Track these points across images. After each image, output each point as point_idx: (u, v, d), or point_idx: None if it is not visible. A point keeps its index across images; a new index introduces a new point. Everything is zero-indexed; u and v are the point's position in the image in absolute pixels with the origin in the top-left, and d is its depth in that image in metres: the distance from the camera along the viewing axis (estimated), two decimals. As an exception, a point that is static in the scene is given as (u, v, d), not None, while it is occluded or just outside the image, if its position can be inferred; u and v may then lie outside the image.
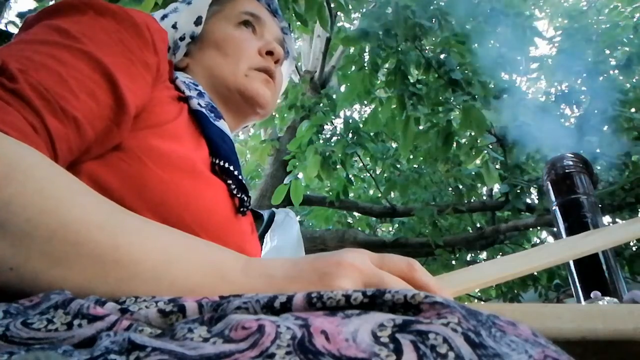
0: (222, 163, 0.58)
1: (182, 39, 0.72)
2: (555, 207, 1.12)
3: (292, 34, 0.84)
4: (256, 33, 0.75)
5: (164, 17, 0.73)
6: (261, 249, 0.81)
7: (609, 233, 0.69)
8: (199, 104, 0.62)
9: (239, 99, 0.70)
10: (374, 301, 0.30)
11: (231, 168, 0.59)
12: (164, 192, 0.50)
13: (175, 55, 0.72)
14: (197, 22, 0.72)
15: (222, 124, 0.63)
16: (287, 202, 3.74)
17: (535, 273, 4.24)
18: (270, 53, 0.73)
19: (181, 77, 0.66)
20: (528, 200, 4.04)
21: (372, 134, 4.19)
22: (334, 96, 4.36)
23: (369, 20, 3.40)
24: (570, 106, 4.51)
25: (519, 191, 3.87)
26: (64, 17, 0.51)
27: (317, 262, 0.40)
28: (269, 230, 0.87)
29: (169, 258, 0.38)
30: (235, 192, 0.59)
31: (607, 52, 4.64)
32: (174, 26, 0.71)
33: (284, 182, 3.79)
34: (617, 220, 4.12)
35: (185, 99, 0.62)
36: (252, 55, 0.71)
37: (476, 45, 3.66)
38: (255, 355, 0.24)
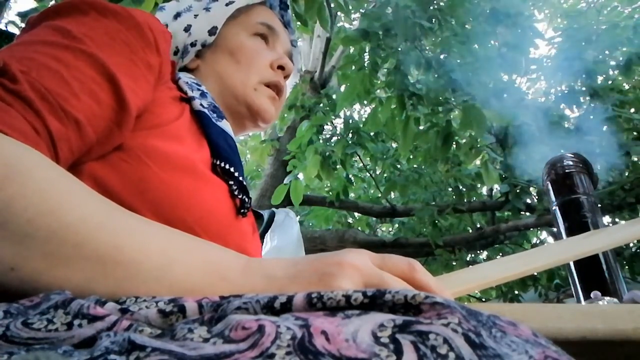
0: (222, 164, 0.58)
1: (193, 44, 0.71)
2: (555, 207, 1.12)
3: (298, 47, 0.85)
4: (269, 44, 0.75)
5: (177, 15, 0.72)
6: (260, 249, 0.81)
7: (610, 234, 0.69)
8: (201, 104, 0.62)
9: (244, 111, 0.71)
10: (374, 301, 0.30)
11: (232, 169, 0.58)
12: (165, 193, 0.50)
13: (183, 59, 0.72)
14: (212, 32, 0.72)
15: (225, 124, 0.63)
16: (287, 202, 3.74)
17: (536, 273, 4.25)
18: (281, 67, 0.73)
19: (184, 77, 0.65)
20: (528, 200, 4.04)
21: (372, 134, 4.19)
22: (334, 96, 4.35)
23: (369, 20, 3.39)
24: (570, 106, 4.51)
25: (518, 191, 3.87)
26: (66, 18, 0.51)
27: (318, 262, 0.40)
28: (269, 230, 0.87)
29: (169, 258, 0.38)
30: (236, 193, 0.59)
31: (607, 52, 4.64)
32: (187, 29, 0.71)
33: (284, 182, 3.79)
34: (617, 220, 4.12)
35: (188, 100, 0.62)
36: (263, 68, 0.71)
37: (476, 45, 3.66)
38: (255, 355, 0.24)
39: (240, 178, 0.59)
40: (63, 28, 0.49)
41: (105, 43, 0.50)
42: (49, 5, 0.54)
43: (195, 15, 0.72)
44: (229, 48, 0.71)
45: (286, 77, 0.75)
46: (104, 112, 0.47)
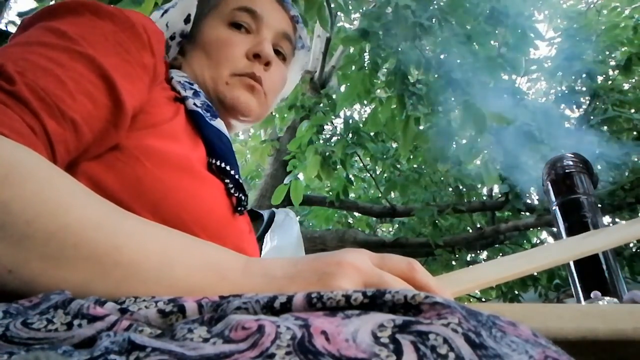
0: (218, 163, 0.58)
1: (172, 38, 0.70)
2: (555, 207, 1.12)
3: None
4: (252, 31, 0.70)
5: (164, 13, 0.72)
6: (260, 249, 0.81)
7: (610, 234, 0.69)
8: (194, 103, 0.61)
9: (220, 107, 0.68)
10: (374, 301, 0.30)
11: (227, 168, 0.58)
12: (162, 192, 0.50)
13: (168, 55, 0.71)
14: (187, 19, 0.70)
15: (219, 123, 0.63)
16: (287, 202, 3.74)
17: (536, 273, 4.25)
18: (257, 56, 0.68)
19: (177, 77, 0.65)
20: (528, 200, 4.05)
21: (372, 134, 4.19)
22: (334, 96, 4.35)
23: (369, 20, 3.39)
24: (570, 106, 4.52)
25: (518, 191, 3.87)
26: (61, 19, 0.51)
27: (317, 262, 0.40)
28: (269, 230, 0.87)
29: (168, 258, 0.38)
30: (232, 191, 0.58)
31: (607, 52, 4.65)
32: (168, 24, 0.70)
33: (284, 182, 3.79)
34: (617, 220, 4.12)
35: (182, 100, 0.62)
36: (236, 60, 0.67)
37: (476, 45, 3.66)
38: (255, 355, 0.24)
39: (237, 176, 0.59)
40: (58, 29, 0.49)
41: (100, 44, 0.50)
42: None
43: (176, 7, 0.71)
44: (203, 43, 0.69)
45: (267, 64, 0.69)
46: (100, 112, 0.47)
